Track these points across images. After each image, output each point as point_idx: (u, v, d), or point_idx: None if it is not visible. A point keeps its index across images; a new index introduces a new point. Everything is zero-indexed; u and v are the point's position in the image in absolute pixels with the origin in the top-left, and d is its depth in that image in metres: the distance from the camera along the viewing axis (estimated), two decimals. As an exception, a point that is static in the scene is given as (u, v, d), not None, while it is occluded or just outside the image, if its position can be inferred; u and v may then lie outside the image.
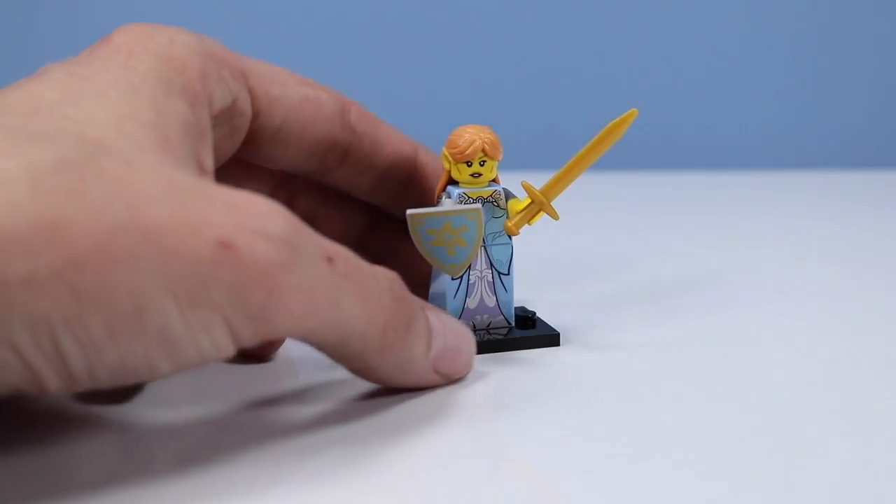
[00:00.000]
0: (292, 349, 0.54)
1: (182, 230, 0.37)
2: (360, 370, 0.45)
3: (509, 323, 0.55)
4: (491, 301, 0.55)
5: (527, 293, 0.60)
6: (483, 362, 0.52)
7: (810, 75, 1.17)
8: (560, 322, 0.58)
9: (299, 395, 0.48)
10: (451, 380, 0.49)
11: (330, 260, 0.41)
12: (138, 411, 0.46)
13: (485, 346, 0.54)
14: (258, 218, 0.38)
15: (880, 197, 0.96)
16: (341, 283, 0.41)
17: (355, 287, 0.42)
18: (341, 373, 0.51)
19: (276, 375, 0.51)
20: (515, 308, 0.56)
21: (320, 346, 0.43)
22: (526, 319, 0.55)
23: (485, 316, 0.55)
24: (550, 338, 0.55)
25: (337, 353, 0.43)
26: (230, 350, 0.38)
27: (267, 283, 0.38)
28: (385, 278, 0.44)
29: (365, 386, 0.49)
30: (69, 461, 0.42)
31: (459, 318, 0.54)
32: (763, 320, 0.59)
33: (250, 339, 0.38)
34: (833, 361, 0.53)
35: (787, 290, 0.65)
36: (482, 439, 0.44)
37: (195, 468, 0.41)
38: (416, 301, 0.46)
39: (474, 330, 0.55)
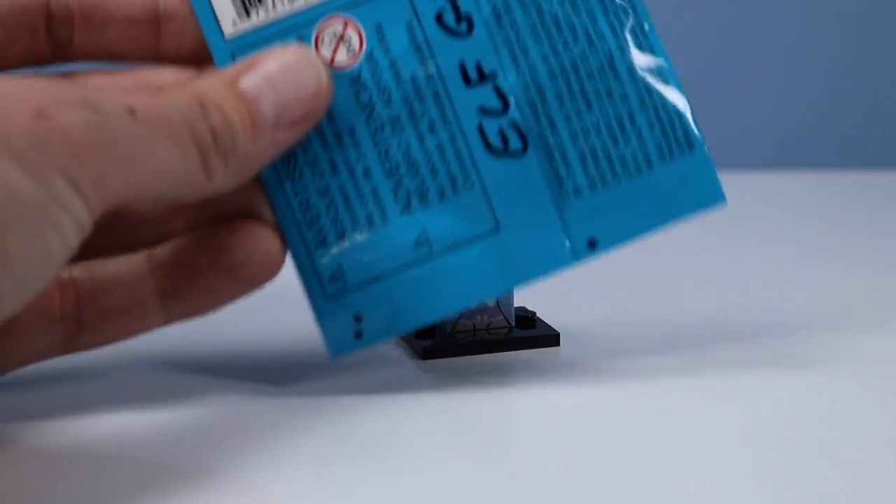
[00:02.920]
0: (289, 353, 0.54)
1: (2, 102, 0.37)
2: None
3: (509, 323, 0.55)
4: (491, 301, 0.55)
5: (527, 293, 0.59)
6: (483, 362, 0.52)
7: (811, 75, 1.18)
8: (560, 322, 0.58)
9: (296, 397, 0.48)
10: (307, 122, 0.46)
11: (132, 112, 0.40)
12: (126, 416, 0.46)
13: (485, 346, 0.54)
14: (64, 91, 0.39)
15: (881, 197, 0.96)
16: (149, 132, 0.40)
17: (163, 129, 0.41)
18: (338, 375, 0.51)
19: (273, 379, 0.51)
20: (515, 308, 0.56)
21: (157, 200, 0.43)
22: (526, 319, 0.55)
23: (485, 316, 0.55)
24: (550, 338, 0.55)
25: (177, 198, 0.43)
26: (87, 222, 0.38)
27: (85, 146, 0.38)
28: (183, 102, 0.43)
29: (362, 387, 0.49)
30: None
31: (459, 318, 0.54)
32: (763, 320, 0.59)
33: (98, 204, 0.39)
34: (835, 362, 0.53)
35: (788, 289, 0.65)
36: (482, 439, 0.44)
37: (191, 471, 0.41)
38: (225, 90, 0.44)
39: (474, 330, 0.55)
